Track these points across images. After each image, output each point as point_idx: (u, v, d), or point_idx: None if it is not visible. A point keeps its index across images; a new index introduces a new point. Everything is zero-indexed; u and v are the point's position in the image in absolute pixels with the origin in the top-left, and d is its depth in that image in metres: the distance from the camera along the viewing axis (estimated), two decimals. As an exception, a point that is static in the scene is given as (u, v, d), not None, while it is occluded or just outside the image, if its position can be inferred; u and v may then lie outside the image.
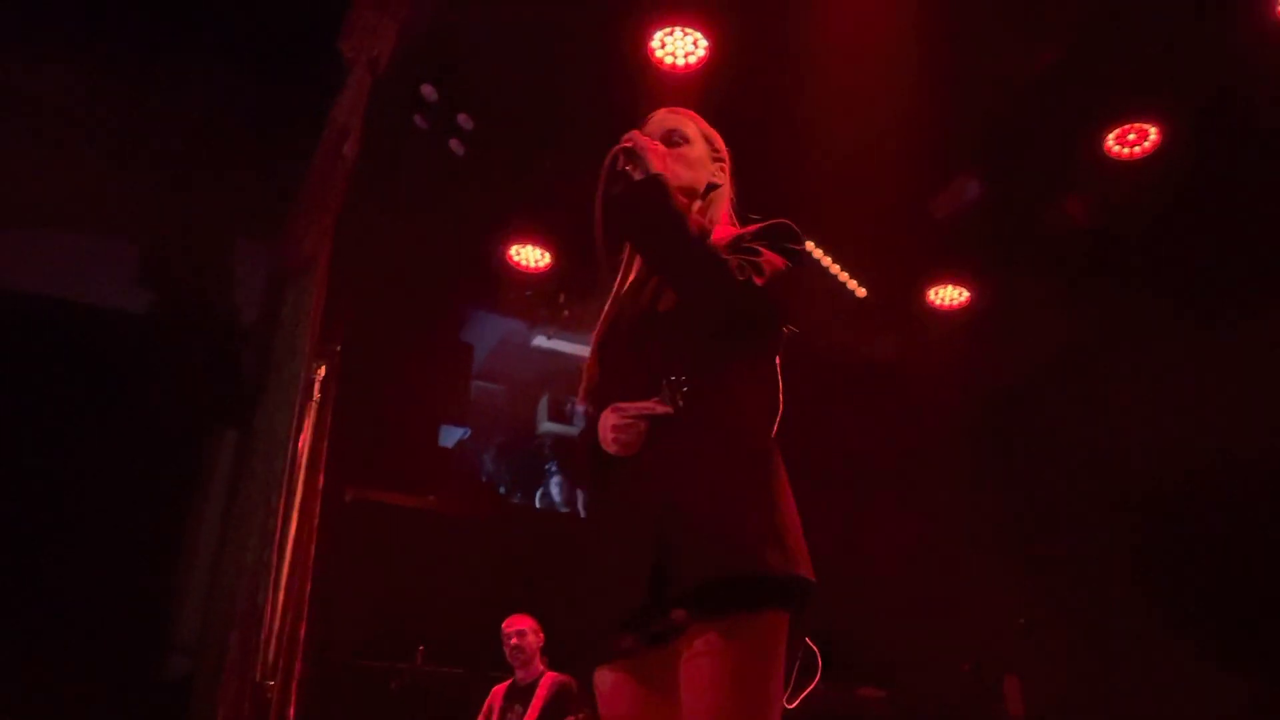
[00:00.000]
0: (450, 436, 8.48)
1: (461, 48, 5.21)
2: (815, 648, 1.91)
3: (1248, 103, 5.10)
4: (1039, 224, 6.14)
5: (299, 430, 4.21)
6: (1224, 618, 5.44)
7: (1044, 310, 6.46)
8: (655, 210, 1.87)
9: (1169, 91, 5.22)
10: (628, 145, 1.96)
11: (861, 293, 6.62)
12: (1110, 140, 5.45)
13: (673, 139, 2.08)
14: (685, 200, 2.03)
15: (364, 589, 6.13)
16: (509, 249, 6.44)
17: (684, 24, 4.94)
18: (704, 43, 4.97)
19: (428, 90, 5.35)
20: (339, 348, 4.92)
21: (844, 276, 6.55)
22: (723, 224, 2.08)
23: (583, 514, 8.62)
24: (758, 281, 1.84)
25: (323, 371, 3.98)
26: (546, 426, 8.88)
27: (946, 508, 6.86)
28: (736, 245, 1.94)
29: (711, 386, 1.86)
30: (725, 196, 2.14)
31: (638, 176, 1.92)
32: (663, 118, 2.13)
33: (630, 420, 1.87)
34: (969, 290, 6.73)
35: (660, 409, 1.86)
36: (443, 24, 5.00)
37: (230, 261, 5.92)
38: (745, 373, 1.92)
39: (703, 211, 2.08)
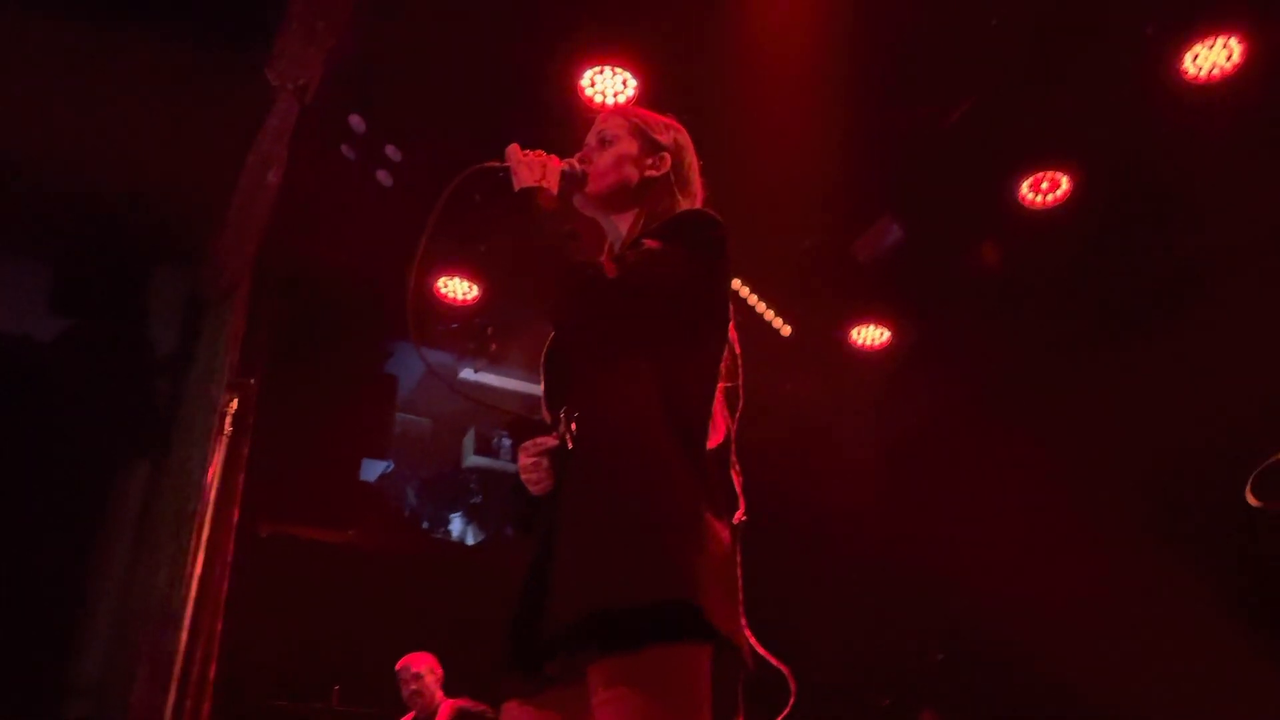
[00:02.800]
0: (373, 470, 8.35)
1: (391, 79, 5.19)
2: (785, 668, 1.80)
3: (1152, 154, 5.33)
4: (957, 267, 6.32)
5: (210, 463, 4.12)
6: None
7: (960, 351, 6.63)
8: (527, 223, 1.86)
9: (1079, 142, 5.44)
10: (494, 163, 1.96)
11: (786, 331, 6.74)
12: (1024, 188, 5.64)
13: (603, 139, 2.08)
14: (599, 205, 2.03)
15: (278, 627, 5.98)
16: (436, 281, 6.40)
17: (614, 63, 5.01)
18: (633, 82, 5.04)
19: (356, 121, 5.32)
20: (253, 380, 4.82)
21: (769, 315, 6.65)
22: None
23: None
24: (609, 275, 1.73)
25: (235, 404, 3.90)
26: (473, 460, 8.76)
27: (863, 544, 6.95)
28: (635, 244, 1.88)
29: (604, 414, 1.76)
30: (675, 187, 2.04)
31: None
32: (598, 120, 2.14)
33: (533, 459, 1.82)
34: (889, 330, 6.89)
35: (551, 443, 1.80)
36: (372, 55, 4.98)
37: (147, 289, 5.78)
38: (644, 396, 1.74)
39: (645, 210, 2.01)
